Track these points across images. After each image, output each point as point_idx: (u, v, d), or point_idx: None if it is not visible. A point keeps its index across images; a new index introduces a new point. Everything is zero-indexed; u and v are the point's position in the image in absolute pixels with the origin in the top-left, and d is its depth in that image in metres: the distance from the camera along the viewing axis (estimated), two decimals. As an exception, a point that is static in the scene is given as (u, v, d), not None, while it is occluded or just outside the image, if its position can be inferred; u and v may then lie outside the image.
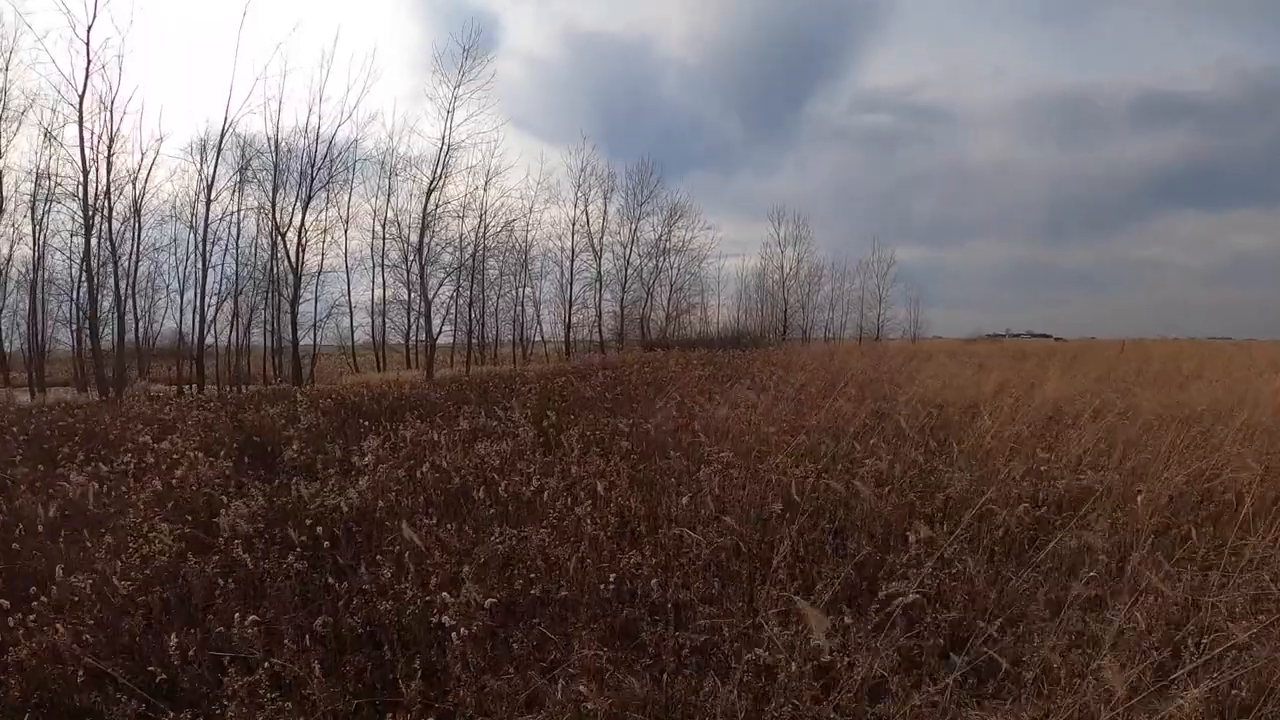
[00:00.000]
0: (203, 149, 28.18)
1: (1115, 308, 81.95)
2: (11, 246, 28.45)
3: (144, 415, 14.79)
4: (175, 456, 9.95)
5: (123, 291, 26.85)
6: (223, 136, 27.21)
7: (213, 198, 27.63)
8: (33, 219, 27.55)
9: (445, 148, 30.77)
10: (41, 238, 27.84)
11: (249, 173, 30.22)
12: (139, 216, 29.00)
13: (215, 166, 27.51)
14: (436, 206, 32.20)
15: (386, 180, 36.03)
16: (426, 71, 32.45)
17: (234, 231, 31.05)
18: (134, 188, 28.55)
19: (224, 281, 31.27)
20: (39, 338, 28.80)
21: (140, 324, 31.60)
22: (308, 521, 7.23)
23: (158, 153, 28.20)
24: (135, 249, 29.10)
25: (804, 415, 12.02)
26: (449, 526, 7.22)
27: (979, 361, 24.30)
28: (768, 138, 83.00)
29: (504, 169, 36.90)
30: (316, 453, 11.08)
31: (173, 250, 31.33)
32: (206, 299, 28.55)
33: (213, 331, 31.52)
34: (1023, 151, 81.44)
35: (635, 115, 78.50)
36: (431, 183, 31.16)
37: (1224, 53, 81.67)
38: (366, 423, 13.51)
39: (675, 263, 47.69)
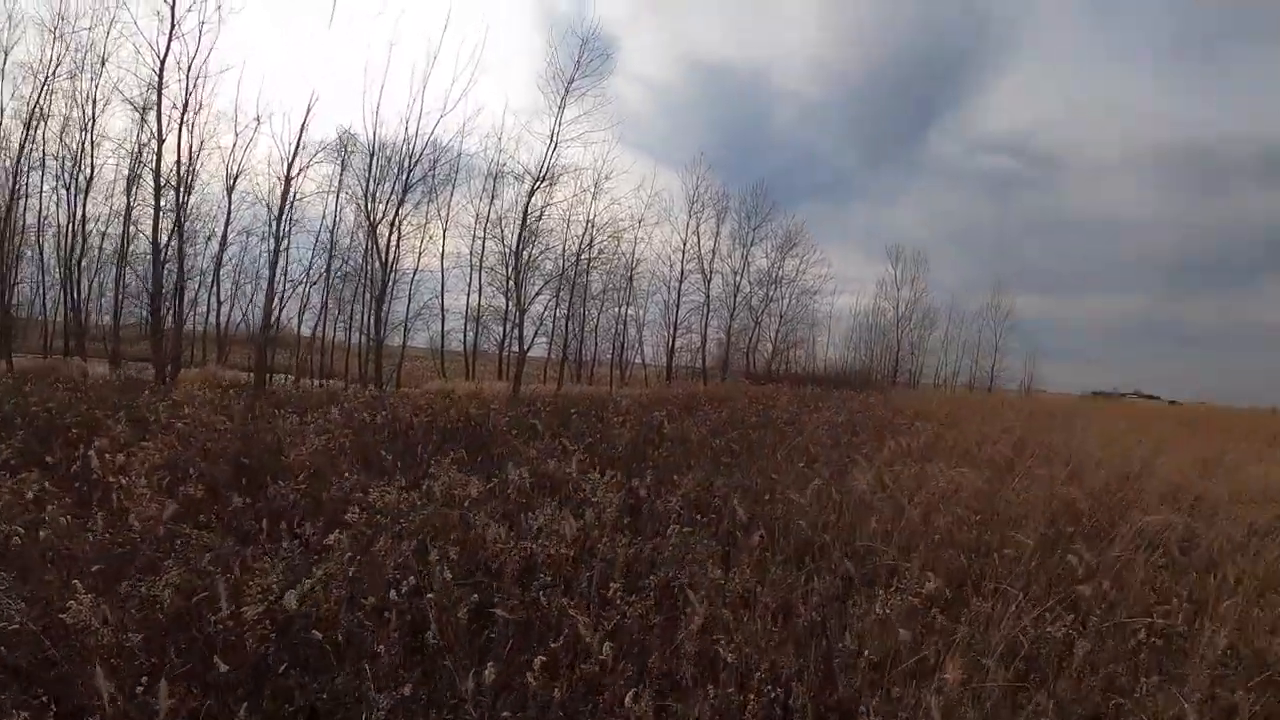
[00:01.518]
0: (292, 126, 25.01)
1: (1226, 370, 74.78)
2: (107, 222, 27.00)
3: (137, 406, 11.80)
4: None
5: (185, 269, 23.91)
6: (308, 113, 24.07)
7: (293, 174, 24.41)
8: (127, 193, 25.82)
9: (553, 144, 27.39)
10: (131, 212, 25.94)
11: (345, 159, 27.71)
12: (230, 196, 26.60)
13: (298, 144, 24.34)
14: (540, 209, 28.84)
15: (491, 182, 32.55)
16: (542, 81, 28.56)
17: (330, 220, 28.93)
18: (227, 169, 26.30)
19: (313, 271, 28.81)
20: (118, 312, 26.79)
21: (224, 306, 30.21)
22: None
23: (255, 131, 25.48)
24: (225, 230, 26.87)
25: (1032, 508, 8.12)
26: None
27: (1137, 425, 20.08)
28: (883, 174, 79.85)
29: (614, 174, 33.02)
30: (304, 496, 7.56)
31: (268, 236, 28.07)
32: (276, 283, 25.43)
33: (298, 322, 29.81)
34: (1144, 200, 76.24)
35: (750, 144, 75.99)
36: (536, 182, 27.74)
37: None
38: (389, 456, 9.92)
39: (786, 293, 44.23)
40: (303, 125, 24.21)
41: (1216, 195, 76.65)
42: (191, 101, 22.32)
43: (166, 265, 22.88)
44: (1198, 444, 16.74)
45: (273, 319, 25.86)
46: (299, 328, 30.48)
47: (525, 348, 28.93)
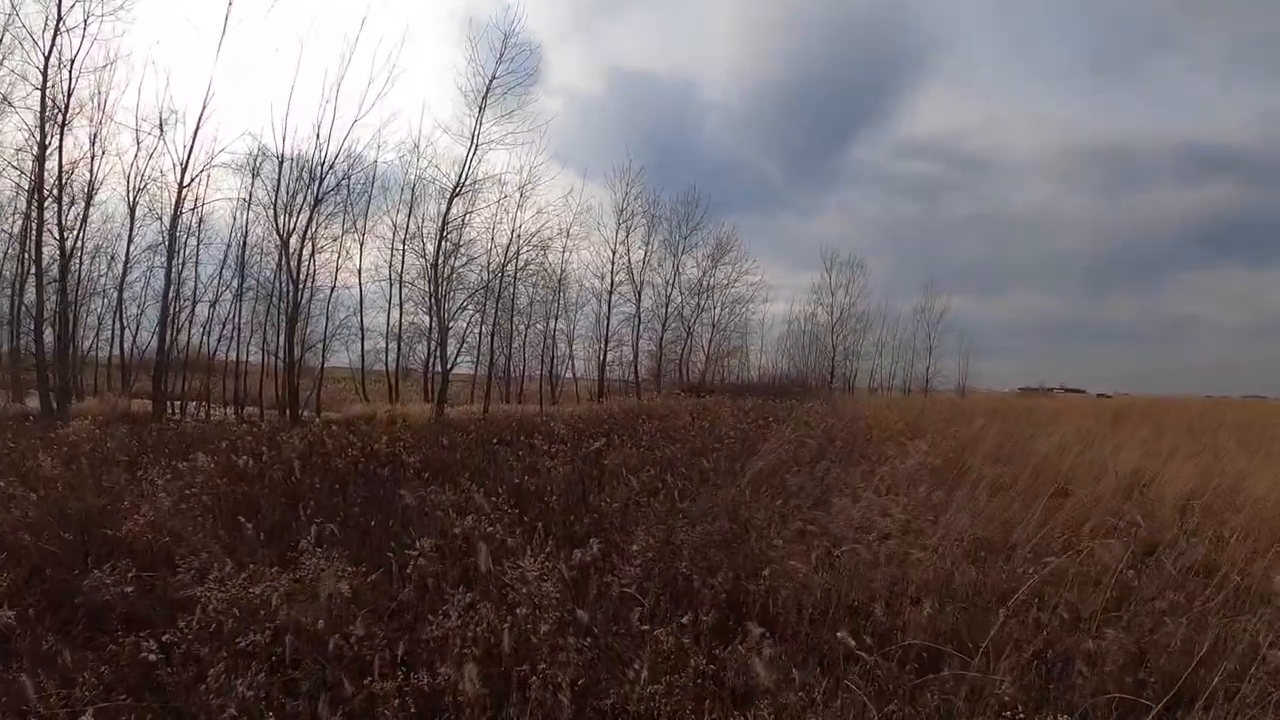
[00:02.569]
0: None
1: (1148, 363, 76.05)
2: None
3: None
4: None
5: (79, 289, 21.38)
6: (202, 114, 21.58)
7: (186, 183, 21.88)
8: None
9: (474, 147, 25.11)
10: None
11: (257, 168, 25.33)
12: (132, 211, 24.19)
13: (190, 149, 21.81)
14: (461, 217, 26.59)
15: (410, 193, 30.02)
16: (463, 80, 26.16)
17: (237, 235, 26.30)
18: (128, 181, 23.81)
19: (218, 289, 26.16)
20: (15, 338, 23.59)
21: (128, 331, 27.03)
22: None
23: (158, 140, 23.05)
24: (128, 248, 24.41)
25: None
26: None
27: (1108, 424, 18.78)
28: (809, 183, 78.14)
29: (541, 181, 30.65)
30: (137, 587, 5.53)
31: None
32: (170, 303, 22.77)
33: (208, 344, 26.87)
34: (1064, 202, 76.80)
35: (676, 158, 73.90)
36: (455, 189, 25.38)
37: (1268, 106, 75.99)
38: (265, 515, 7.80)
39: (718, 302, 42.18)
40: (196, 129, 21.73)
41: (1134, 194, 77.12)
42: (74, 101, 19.87)
43: (50, 286, 20.34)
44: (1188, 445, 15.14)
45: (168, 343, 23.06)
46: (210, 351, 27.52)
47: (449, 366, 26.55)
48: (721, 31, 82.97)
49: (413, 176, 29.22)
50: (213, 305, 25.82)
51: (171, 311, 23.06)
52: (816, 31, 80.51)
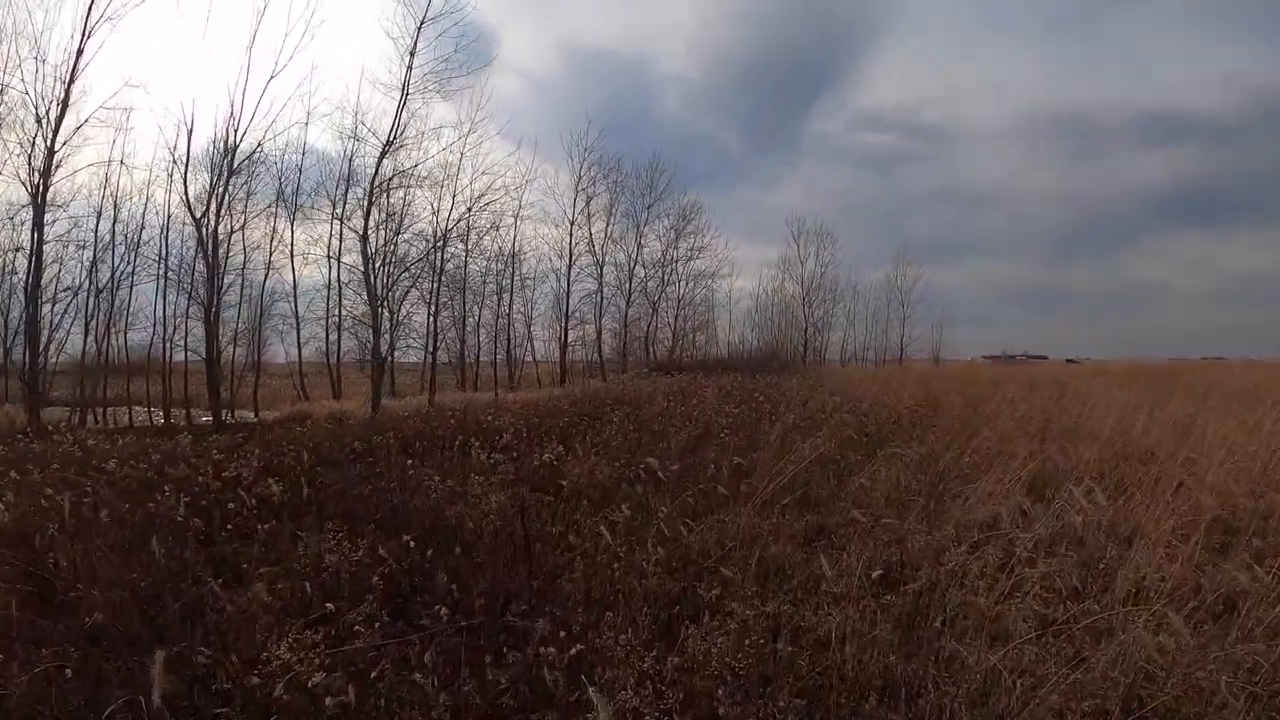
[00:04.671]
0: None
1: (1109, 328, 75.00)
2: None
3: None
4: None
5: None
6: (77, 63, 17.52)
7: (57, 148, 17.79)
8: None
9: (404, 96, 21.16)
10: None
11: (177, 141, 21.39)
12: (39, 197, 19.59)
13: (63, 107, 17.72)
14: (389, 178, 22.62)
15: (347, 164, 26.28)
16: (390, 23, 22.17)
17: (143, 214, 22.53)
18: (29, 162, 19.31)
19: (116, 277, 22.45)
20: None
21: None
22: None
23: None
24: (36, 240, 19.67)
25: None
26: None
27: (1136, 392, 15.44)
28: (768, 156, 75.92)
29: (485, 139, 27.51)
30: None
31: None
32: (42, 298, 18.89)
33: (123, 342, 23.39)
34: (1024, 170, 76.85)
35: (634, 133, 72.00)
36: (386, 145, 21.44)
37: (1230, 68, 74.32)
38: None
39: (683, 274, 39.25)
40: (68, 87, 17.66)
41: (1095, 160, 75.20)
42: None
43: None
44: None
45: (42, 342, 19.03)
46: (128, 349, 24.13)
47: (384, 355, 22.70)
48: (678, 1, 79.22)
49: (349, 148, 25.51)
50: (99, 293, 22.06)
51: (39, 305, 18.87)
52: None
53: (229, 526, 6.97)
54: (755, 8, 77.86)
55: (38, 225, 17.94)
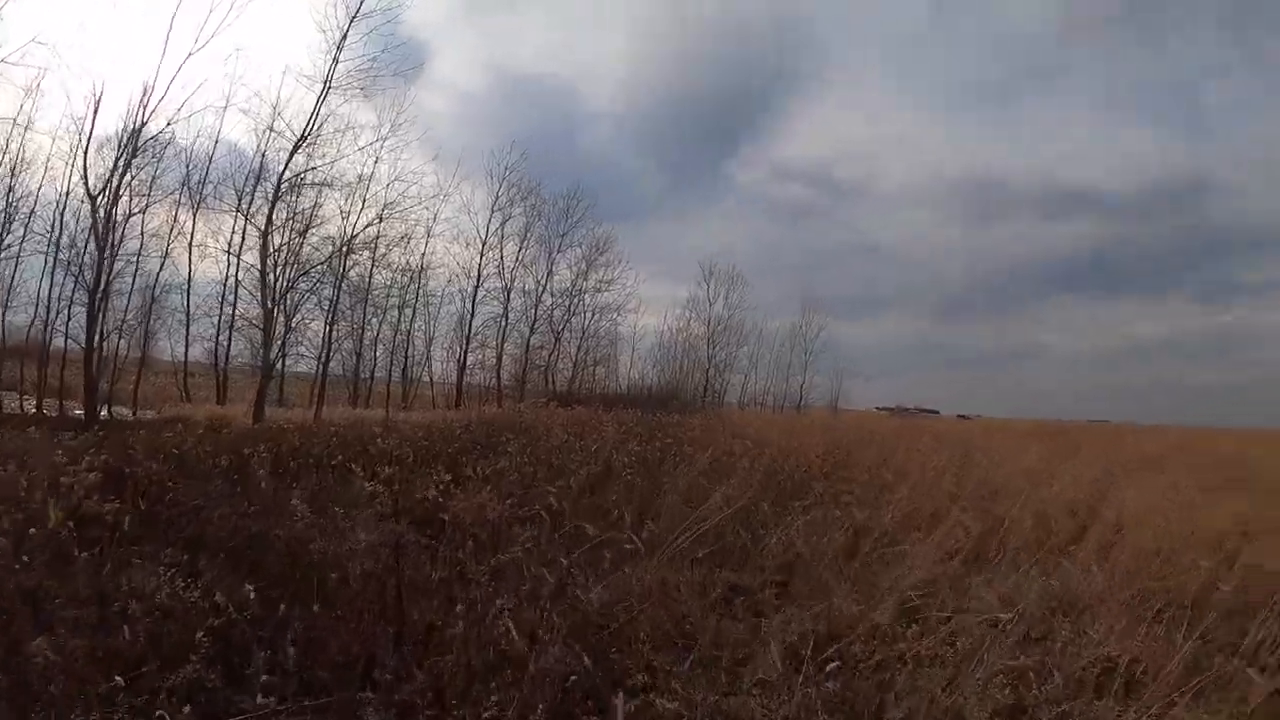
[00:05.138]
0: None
1: (996, 386, 78.37)
2: None
3: None
4: None
5: None
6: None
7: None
8: None
9: (325, 90, 19.96)
10: None
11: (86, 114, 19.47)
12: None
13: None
14: (301, 173, 21.27)
15: (260, 159, 24.41)
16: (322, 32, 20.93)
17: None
18: None
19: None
20: None
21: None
22: None
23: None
24: None
25: None
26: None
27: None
28: (687, 196, 75.73)
29: (404, 146, 25.66)
30: None
31: None
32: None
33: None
34: (933, 230, 77.69)
35: (554, 163, 72.25)
36: (300, 139, 20.14)
37: (1131, 149, 77.87)
38: None
39: (589, 307, 38.29)
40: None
41: (998, 225, 77.60)
42: None
43: None
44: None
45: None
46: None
47: (273, 362, 21.22)
48: (611, 37, 79.05)
49: (264, 142, 23.70)
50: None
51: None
52: (706, 44, 77.92)
53: (42, 550, 5.76)
54: (687, 49, 77.76)
55: None
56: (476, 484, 9.38)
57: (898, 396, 61.42)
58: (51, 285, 21.38)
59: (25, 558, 5.34)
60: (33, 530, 5.79)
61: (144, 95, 19.25)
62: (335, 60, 20.05)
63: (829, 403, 49.15)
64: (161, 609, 4.90)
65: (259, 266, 21.78)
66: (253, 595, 4.99)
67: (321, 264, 23.76)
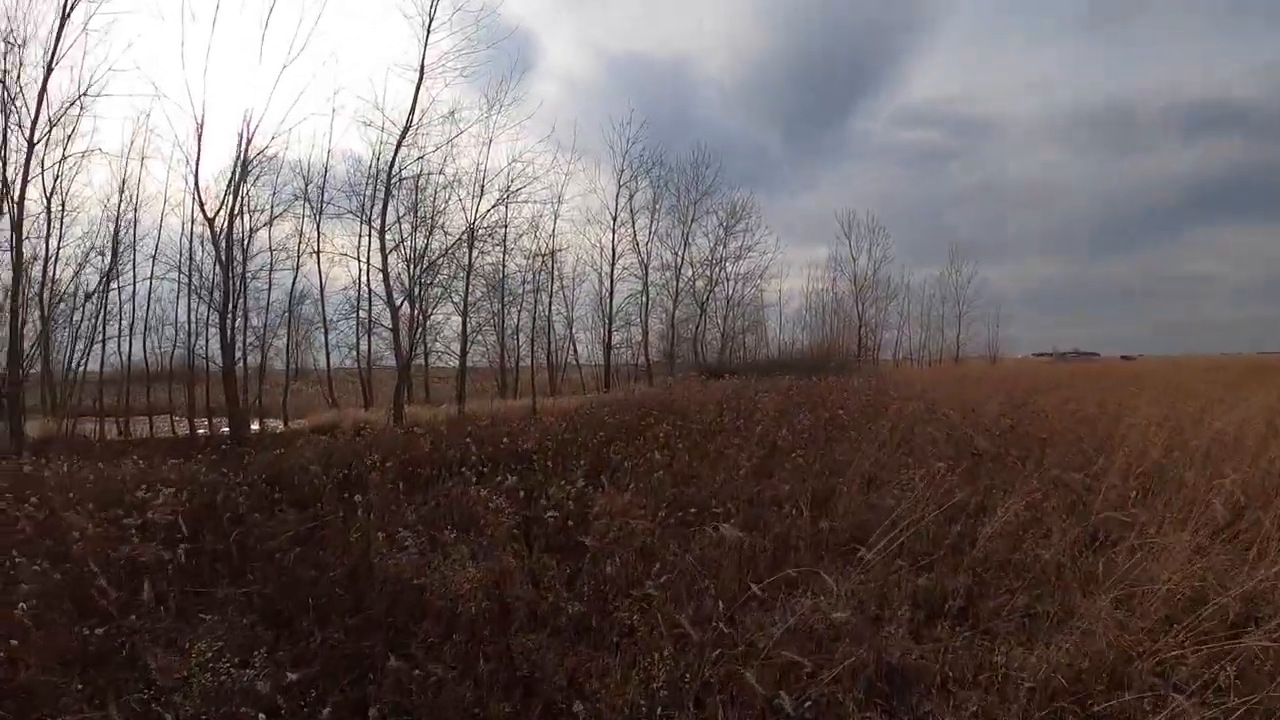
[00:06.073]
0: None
1: (1156, 324, 70.54)
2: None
3: None
4: None
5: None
6: (58, 39, 15.45)
7: (35, 140, 15.78)
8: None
9: (421, 75, 18.92)
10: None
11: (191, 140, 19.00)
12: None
13: (43, 88, 15.62)
14: (403, 167, 20.45)
15: (376, 163, 23.69)
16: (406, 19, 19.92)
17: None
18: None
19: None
20: None
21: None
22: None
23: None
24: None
25: None
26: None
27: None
28: (809, 157, 72.55)
29: (520, 124, 24.12)
30: None
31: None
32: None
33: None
34: (1068, 165, 72.10)
35: (674, 136, 68.99)
36: (403, 132, 19.30)
37: (1272, 57, 70.17)
38: None
39: (731, 273, 36.45)
40: (49, 65, 15.58)
41: (1138, 154, 71.87)
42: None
43: None
44: None
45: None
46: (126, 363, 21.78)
47: (405, 360, 20.47)
48: (716, 2, 76.61)
49: (377, 143, 22.90)
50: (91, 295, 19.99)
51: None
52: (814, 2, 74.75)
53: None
54: (790, 11, 74.94)
55: (16, 226, 15.88)
56: (623, 480, 8.00)
57: (1050, 341, 59.21)
58: (188, 310, 21.56)
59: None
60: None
61: (246, 114, 18.76)
62: (425, 44, 19.01)
63: (985, 353, 46.69)
64: (208, 689, 3.69)
65: (381, 267, 21.04)
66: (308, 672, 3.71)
67: (444, 255, 22.86)
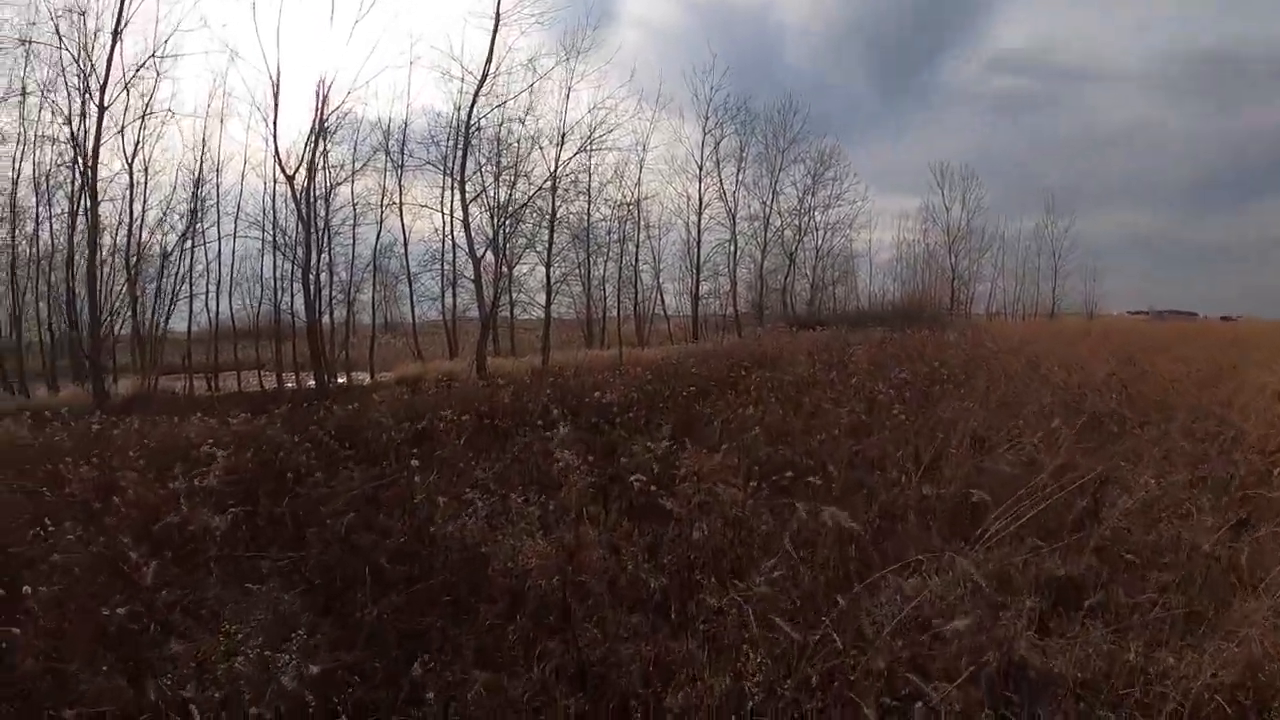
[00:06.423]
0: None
1: (1258, 283, 63.21)
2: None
3: None
4: None
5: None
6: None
7: (107, 104, 15.72)
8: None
9: (496, 23, 18.41)
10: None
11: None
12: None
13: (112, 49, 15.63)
14: (482, 117, 20.13)
15: (457, 114, 23.27)
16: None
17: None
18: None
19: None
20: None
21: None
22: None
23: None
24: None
25: None
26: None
27: None
28: (897, 105, 69.52)
29: (600, 70, 23.92)
30: None
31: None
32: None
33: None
34: (1165, 114, 66.95)
35: (758, 84, 68.67)
36: (481, 81, 18.90)
37: None
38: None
39: (820, 222, 35.30)
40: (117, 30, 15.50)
41: (1244, 105, 67.32)
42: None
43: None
44: None
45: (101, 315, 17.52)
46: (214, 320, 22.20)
47: (488, 312, 20.20)
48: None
49: (457, 95, 22.59)
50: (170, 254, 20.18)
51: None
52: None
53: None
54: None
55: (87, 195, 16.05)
56: (712, 437, 7.40)
57: (1144, 298, 54.95)
58: (273, 266, 21.72)
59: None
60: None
61: (322, 70, 18.78)
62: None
63: (1080, 308, 44.42)
64: (243, 674, 3.23)
65: (463, 218, 20.79)
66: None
67: (525, 204, 22.60)
